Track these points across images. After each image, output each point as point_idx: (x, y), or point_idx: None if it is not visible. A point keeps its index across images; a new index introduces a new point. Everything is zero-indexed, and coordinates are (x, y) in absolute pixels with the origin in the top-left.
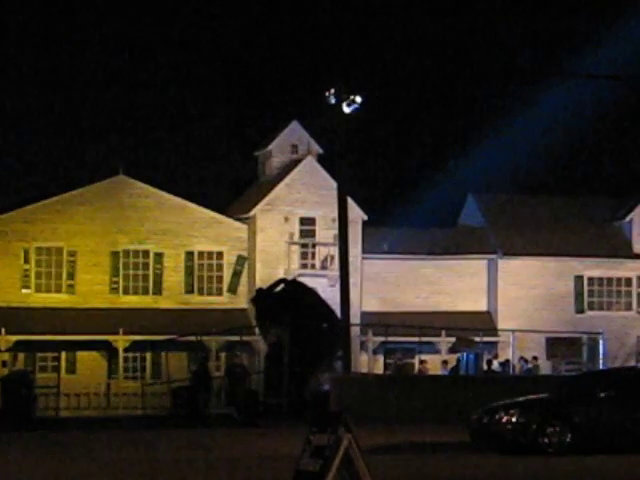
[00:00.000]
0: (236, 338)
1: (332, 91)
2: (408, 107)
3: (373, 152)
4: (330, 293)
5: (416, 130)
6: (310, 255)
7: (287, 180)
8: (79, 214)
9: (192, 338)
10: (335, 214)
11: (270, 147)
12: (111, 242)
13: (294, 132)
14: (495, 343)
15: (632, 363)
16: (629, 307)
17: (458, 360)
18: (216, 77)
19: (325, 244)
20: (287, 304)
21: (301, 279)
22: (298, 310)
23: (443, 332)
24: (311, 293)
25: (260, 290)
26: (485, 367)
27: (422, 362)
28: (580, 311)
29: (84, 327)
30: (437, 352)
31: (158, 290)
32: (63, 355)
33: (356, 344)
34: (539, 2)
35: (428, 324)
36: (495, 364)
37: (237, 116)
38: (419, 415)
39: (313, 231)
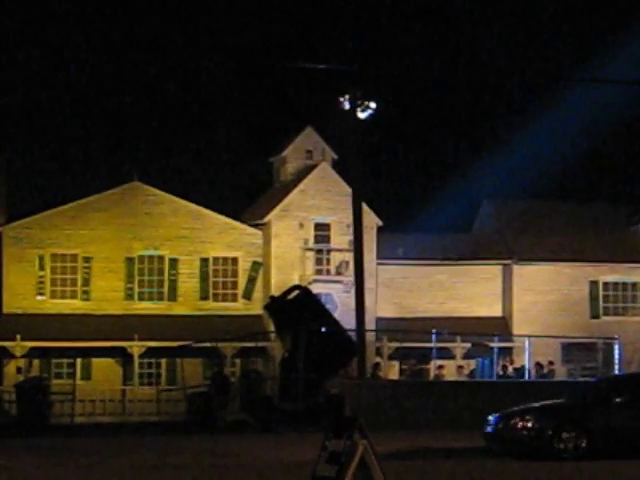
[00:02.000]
0: (251, 344)
1: (346, 97)
2: (424, 113)
3: (388, 158)
4: (345, 299)
5: (431, 136)
6: (325, 261)
7: (302, 186)
8: (94, 221)
9: (207, 344)
10: (350, 220)
11: (285, 153)
12: (126, 248)
13: (309, 138)
14: (510, 348)
15: None
16: None
17: (476, 364)
18: (231, 83)
19: (340, 250)
20: (301, 311)
21: (316, 285)
22: (312, 317)
23: (458, 338)
24: (319, 303)
25: (273, 297)
26: (500, 372)
27: (439, 367)
28: (595, 316)
29: (99, 333)
30: (452, 358)
31: (173, 296)
32: (78, 361)
33: (371, 350)
34: (554, 7)
35: (443, 330)
36: (510, 369)
37: (252, 122)
38: (435, 420)
39: (328, 237)
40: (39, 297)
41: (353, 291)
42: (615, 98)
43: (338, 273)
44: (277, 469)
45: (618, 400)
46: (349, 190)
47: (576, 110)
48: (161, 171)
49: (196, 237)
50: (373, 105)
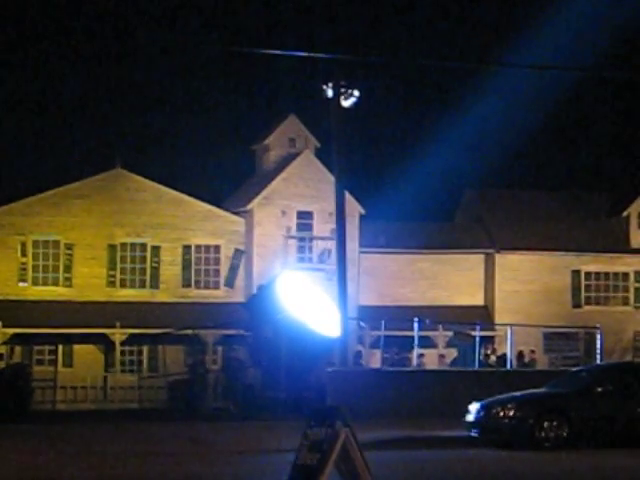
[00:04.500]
0: (233, 332)
1: (330, 84)
2: (405, 100)
3: (370, 146)
4: (327, 287)
5: (413, 123)
6: (307, 249)
7: (284, 174)
8: (76, 207)
9: (189, 332)
10: (332, 208)
11: (268, 141)
12: (108, 235)
13: (292, 126)
14: (492, 337)
15: (629, 358)
16: (626, 302)
17: (458, 353)
18: (214, 70)
19: (322, 238)
20: (276, 302)
21: (298, 273)
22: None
23: (440, 326)
24: (279, 297)
25: (261, 287)
26: (483, 361)
27: (420, 356)
28: (577, 306)
29: (81, 320)
30: (434, 346)
31: (155, 283)
32: (60, 348)
33: (353, 338)
34: None
35: (425, 318)
36: (492, 358)
37: (235, 109)
38: (417, 409)
39: (310, 225)
40: (21, 283)
41: (335, 279)
42: (598, 86)
43: (320, 261)
44: (258, 456)
45: (599, 390)
46: (332, 178)
47: (556, 97)
48: (144, 158)
49: (179, 224)
50: (357, 93)
